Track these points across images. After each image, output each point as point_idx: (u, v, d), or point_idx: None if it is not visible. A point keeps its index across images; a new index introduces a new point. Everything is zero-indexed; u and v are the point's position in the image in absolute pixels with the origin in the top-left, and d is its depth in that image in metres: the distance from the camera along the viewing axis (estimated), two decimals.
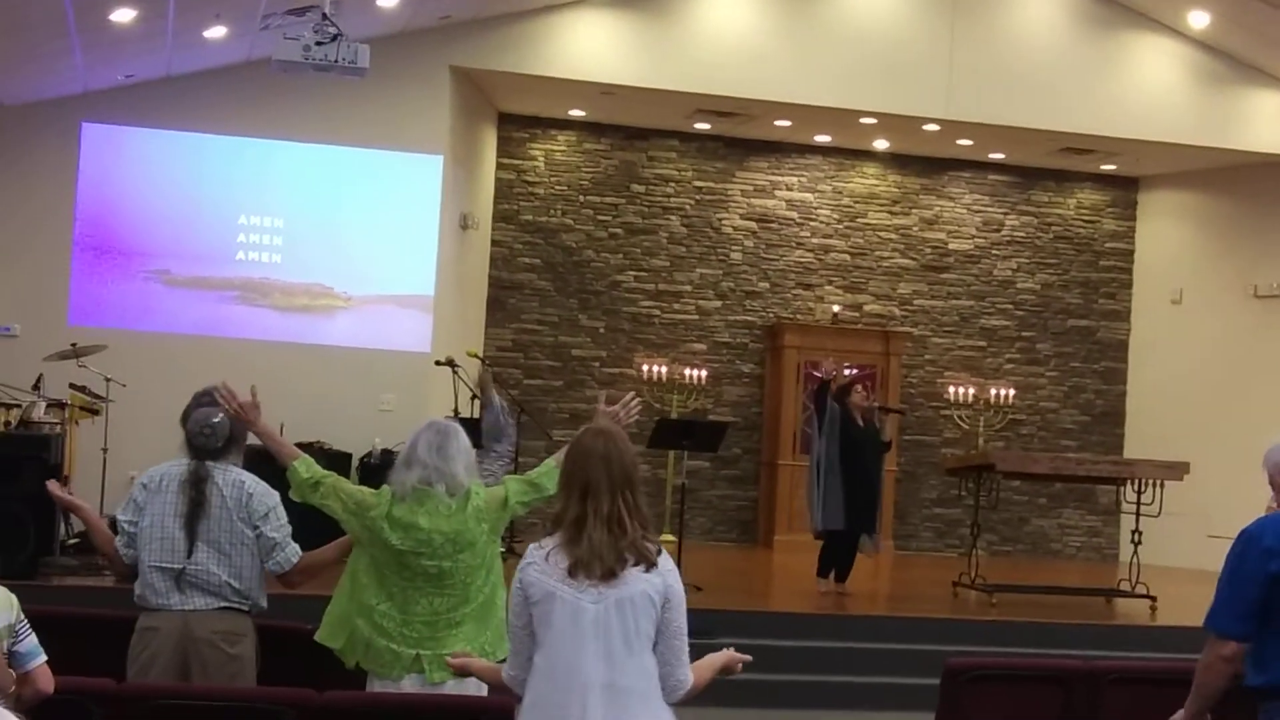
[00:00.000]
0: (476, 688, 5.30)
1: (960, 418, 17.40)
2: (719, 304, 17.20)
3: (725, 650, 4.67)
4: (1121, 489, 13.35)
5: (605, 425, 4.74)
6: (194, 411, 5.93)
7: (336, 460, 13.15)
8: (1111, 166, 17.80)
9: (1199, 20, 15.69)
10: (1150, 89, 16.05)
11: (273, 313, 14.55)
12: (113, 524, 6.01)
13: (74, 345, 12.36)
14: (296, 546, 5.91)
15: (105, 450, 12.15)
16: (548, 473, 5.84)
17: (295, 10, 11.62)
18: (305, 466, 5.72)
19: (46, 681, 4.71)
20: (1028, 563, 17.02)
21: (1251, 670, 5.13)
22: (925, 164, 17.77)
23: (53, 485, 6.09)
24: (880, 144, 17.33)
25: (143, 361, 13.28)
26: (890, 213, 17.74)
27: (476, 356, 13.99)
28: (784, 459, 16.47)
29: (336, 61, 10.16)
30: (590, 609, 4.27)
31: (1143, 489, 12.90)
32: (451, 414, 12.21)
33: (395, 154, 14.68)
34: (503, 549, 6.05)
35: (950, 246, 17.87)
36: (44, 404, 11.71)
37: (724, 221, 17.27)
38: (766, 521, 16.75)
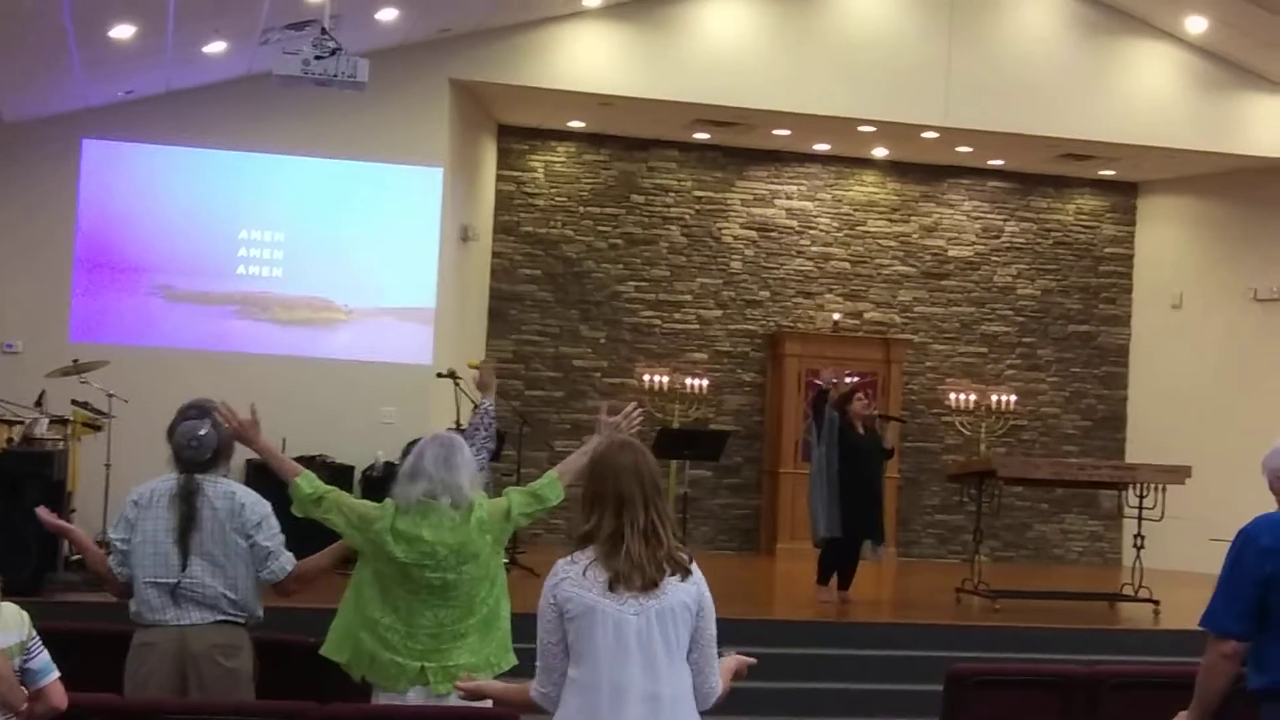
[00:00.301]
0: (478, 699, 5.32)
1: (962, 424, 17.41)
2: (719, 313, 17.21)
3: (733, 655, 4.70)
4: (1123, 493, 13.37)
5: (627, 438, 4.77)
6: (180, 425, 5.95)
7: (339, 473, 13.17)
8: (1110, 172, 17.82)
9: (1196, 25, 15.71)
10: (1148, 94, 16.08)
11: (274, 326, 14.56)
12: (105, 544, 6.02)
13: (76, 361, 12.37)
14: (290, 555, 5.92)
15: (108, 466, 12.15)
16: (549, 484, 5.87)
17: (294, 25, 11.65)
18: (307, 482, 5.74)
19: (60, 698, 4.73)
20: (1030, 568, 17.02)
21: (1253, 673, 5.15)
22: (924, 171, 17.79)
23: (43, 512, 6.10)
24: (879, 152, 17.36)
25: (145, 377, 13.27)
26: (890, 220, 17.76)
27: (477, 368, 13.98)
28: (786, 467, 16.47)
29: (336, 76, 10.20)
30: (632, 621, 4.29)
31: (1144, 493, 12.92)
32: (453, 426, 12.20)
33: (395, 167, 14.70)
34: (505, 560, 6.05)
35: (950, 253, 17.89)
36: (46, 421, 11.71)
37: (724, 231, 17.29)
38: (769, 530, 16.75)
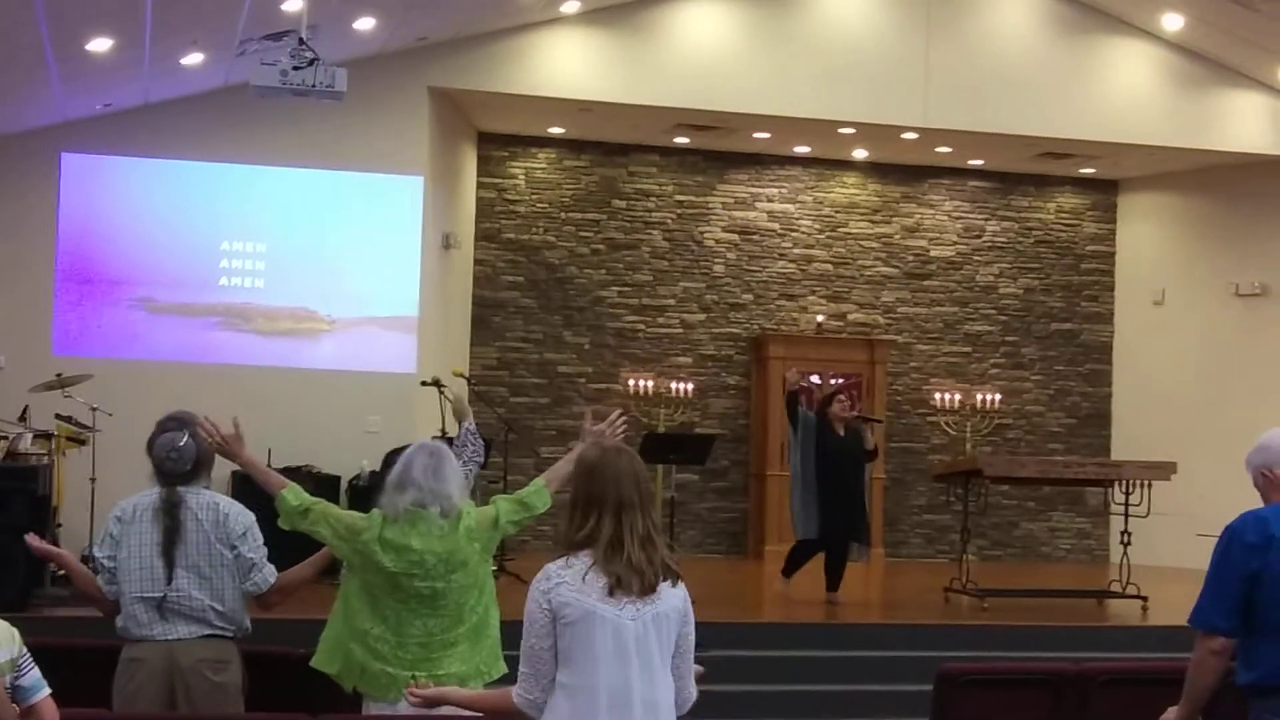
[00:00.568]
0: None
1: (947, 424, 17.43)
2: (703, 317, 17.22)
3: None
4: (1109, 490, 13.41)
5: (620, 443, 4.77)
6: (159, 437, 5.93)
7: (324, 483, 13.15)
8: (1090, 170, 17.87)
9: (1173, 23, 15.76)
10: (1126, 92, 16.12)
11: (257, 337, 14.53)
12: (88, 561, 6.00)
13: (59, 375, 12.31)
14: (272, 567, 5.91)
15: (93, 480, 12.10)
16: (536, 492, 5.87)
17: (272, 35, 11.63)
18: (294, 494, 5.72)
19: (52, 715, 4.71)
20: (1018, 566, 17.05)
21: (1242, 669, 5.17)
22: (905, 172, 17.82)
23: (32, 539, 6.08)
24: (859, 153, 17.38)
25: (128, 390, 13.24)
26: (871, 221, 17.78)
27: (462, 375, 13.98)
28: (772, 470, 16.48)
29: (314, 86, 10.18)
30: (630, 626, 4.27)
31: (1130, 490, 12.95)
32: (439, 434, 12.19)
33: (375, 176, 14.68)
34: (493, 568, 6.04)
35: (932, 253, 17.92)
36: (30, 435, 11.69)
37: (706, 235, 17.30)
38: (756, 533, 16.77)
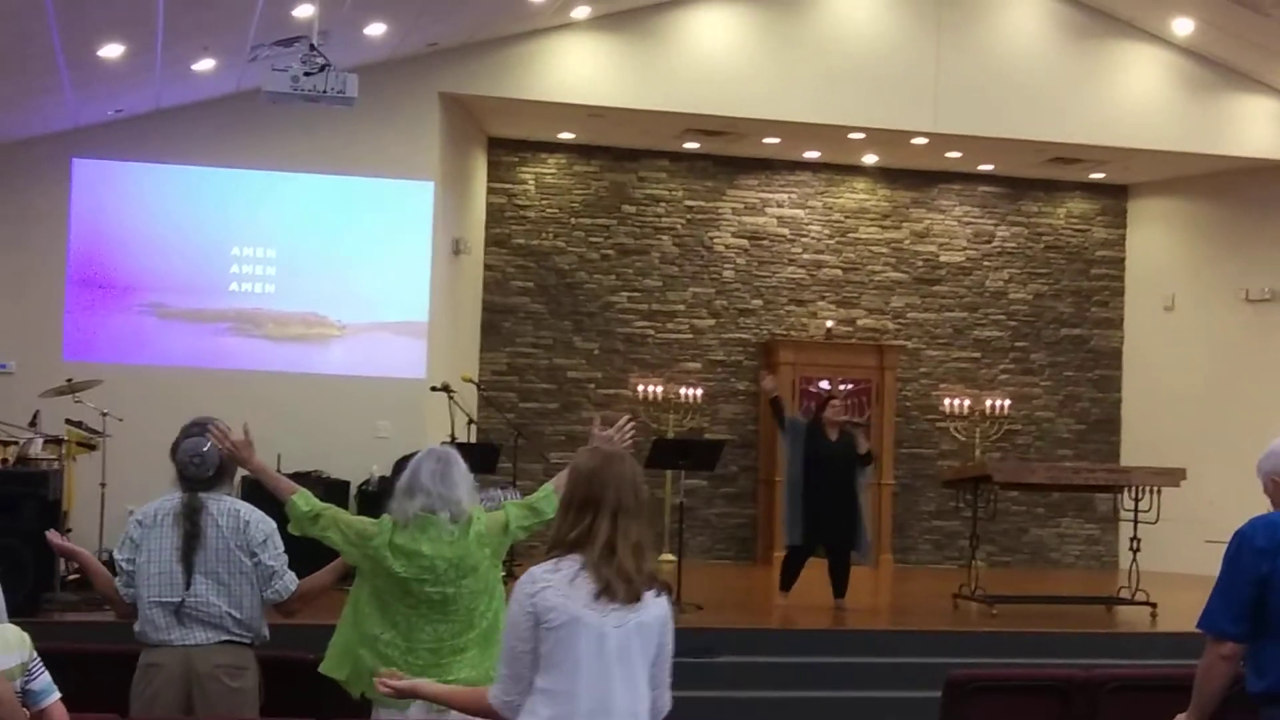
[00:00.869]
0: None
1: (956, 429, 17.42)
2: (712, 322, 17.23)
3: None
4: (1119, 496, 13.38)
5: (617, 449, 4.76)
6: (182, 442, 5.95)
7: (334, 489, 13.16)
8: (1100, 175, 17.85)
9: (1183, 27, 15.75)
10: (1137, 97, 16.11)
11: (267, 343, 14.55)
12: (110, 564, 6.02)
13: (69, 381, 12.34)
14: (293, 575, 5.93)
15: (103, 485, 12.13)
16: (546, 497, 5.87)
17: (283, 41, 11.66)
18: (304, 500, 5.74)
19: (63, 718, 4.72)
20: (1027, 573, 17.03)
21: (1252, 676, 5.16)
22: (915, 177, 17.82)
23: (52, 535, 6.10)
24: (869, 159, 17.38)
25: (138, 395, 13.28)
26: (881, 227, 17.78)
27: (472, 381, 14.02)
28: (781, 476, 16.40)
29: (325, 91, 10.20)
30: (614, 634, 4.26)
31: (1140, 496, 12.94)
32: (448, 440, 12.21)
33: (386, 181, 14.69)
34: (503, 573, 6.05)
35: (942, 259, 17.91)
36: (41, 440, 11.73)
37: (715, 240, 17.30)
38: (765, 538, 16.75)
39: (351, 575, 5.93)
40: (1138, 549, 12.78)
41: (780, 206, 17.52)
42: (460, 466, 5.72)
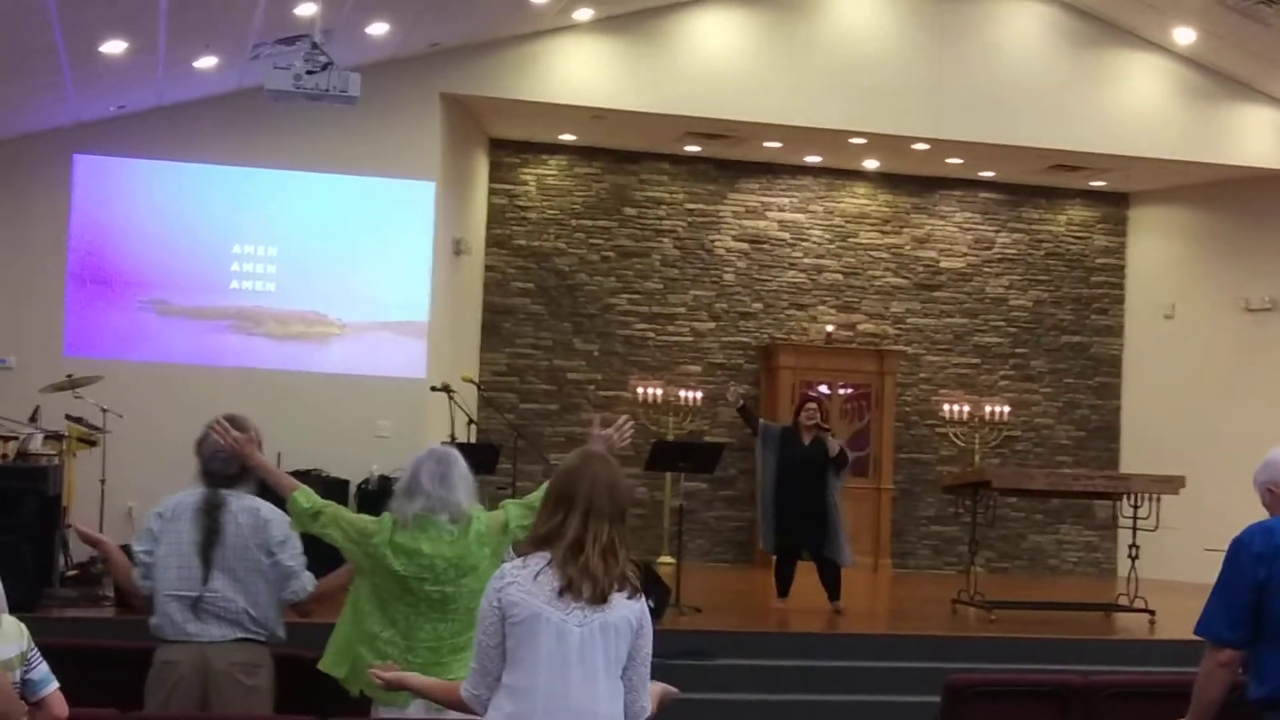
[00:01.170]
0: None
1: (956, 435, 17.42)
2: (713, 325, 17.23)
3: (659, 684, 4.69)
4: (1118, 504, 13.37)
5: (606, 453, 4.79)
6: (208, 438, 5.96)
7: (334, 487, 13.15)
8: (1101, 183, 17.86)
9: (1185, 37, 15.75)
10: (1138, 105, 16.12)
11: (267, 341, 14.55)
12: (129, 555, 6.03)
13: (70, 376, 12.35)
14: (311, 575, 5.95)
15: (103, 481, 12.14)
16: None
17: (285, 40, 11.67)
18: (305, 497, 5.74)
19: (61, 708, 4.74)
20: (1026, 579, 17.04)
21: (1253, 682, 5.17)
22: (916, 183, 17.83)
23: (79, 524, 6.13)
24: (870, 164, 17.38)
25: (138, 392, 13.29)
26: (882, 232, 17.78)
27: (472, 381, 14.02)
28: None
29: (328, 90, 10.21)
30: (575, 632, 4.29)
31: (1139, 503, 12.94)
32: (448, 439, 12.21)
33: (387, 181, 14.69)
34: None
35: (942, 265, 17.92)
36: (41, 436, 11.72)
37: (716, 243, 17.31)
38: None
39: None
40: (1136, 556, 12.77)
41: (781, 210, 17.52)
42: (460, 468, 5.72)
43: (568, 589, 4.30)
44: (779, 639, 11.58)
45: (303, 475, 12.20)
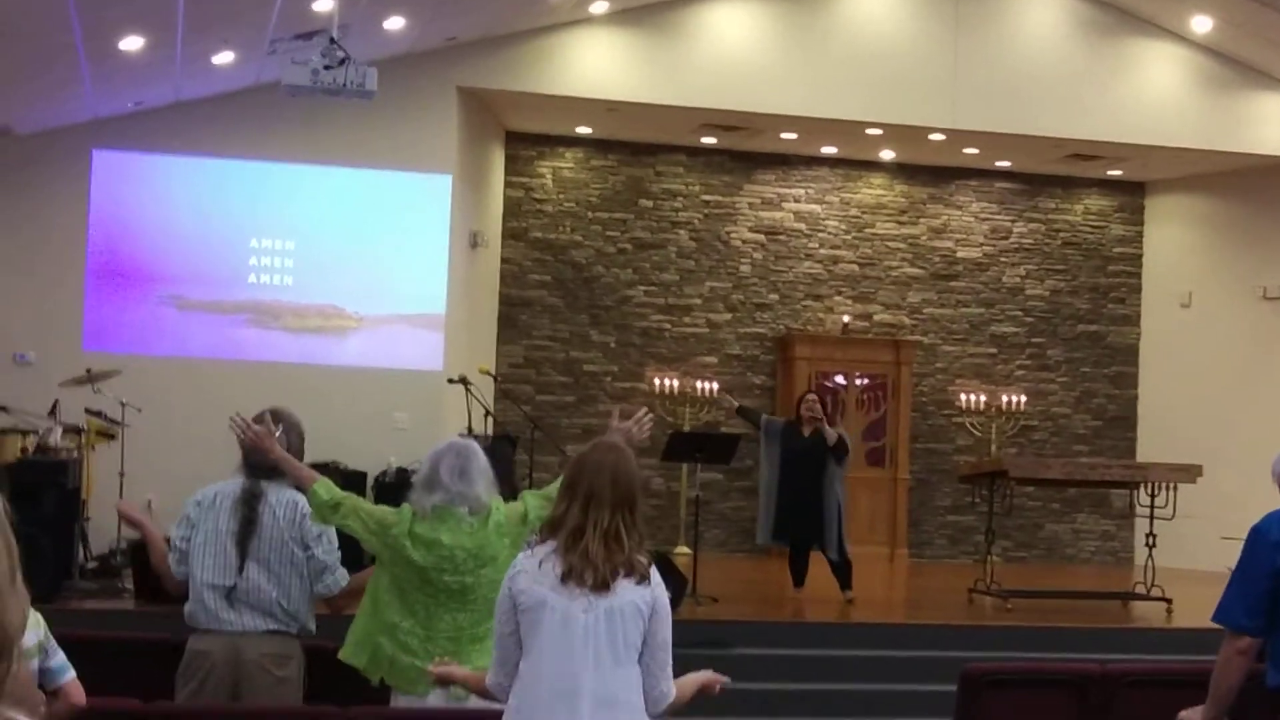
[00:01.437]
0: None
1: (972, 425, 17.42)
2: (729, 317, 17.24)
3: (706, 670, 4.73)
4: (1135, 492, 13.37)
5: (616, 441, 4.83)
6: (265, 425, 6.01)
7: (352, 480, 13.17)
8: (1118, 172, 17.83)
9: (1202, 25, 15.71)
10: (1155, 94, 16.09)
11: (285, 335, 14.59)
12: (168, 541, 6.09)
13: (89, 371, 12.39)
14: (344, 571, 6.00)
15: (122, 475, 12.18)
16: None
17: (303, 35, 11.70)
18: (325, 489, 5.77)
19: (79, 695, 4.76)
20: (1043, 568, 17.04)
21: (1272, 670, 5.18)
22: (932, 173, 17.81)
23: (122, 504, 6.20)
24: (887, 154, 17.37)
25: (157, 386, 13.34)
26: (898, 222, 17.78)
27: (489, 373, 14.05)
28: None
29: (345, 85, 10.23)
30: (580, 618, 4.34)
31: (1156, 492, 12.94)
32: (465, 431, 12.25)
33: (404, 174, 14.73)
34: None
35: (959, 255, 17.91)
36: (60, 430, 11.77)
37: (732, 235, 17.31)
38: None
39: None
40: (1153, 545, 12.77)
41: (797, 201, 17.52)
42: (479, 461, 5.74)
43: (569, 575, 4.35)
44: (795, 628, 11.61)
45: (320, 468, 12.26)
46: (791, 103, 15.31)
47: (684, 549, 15.29)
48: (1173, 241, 18.25)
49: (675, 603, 10.32)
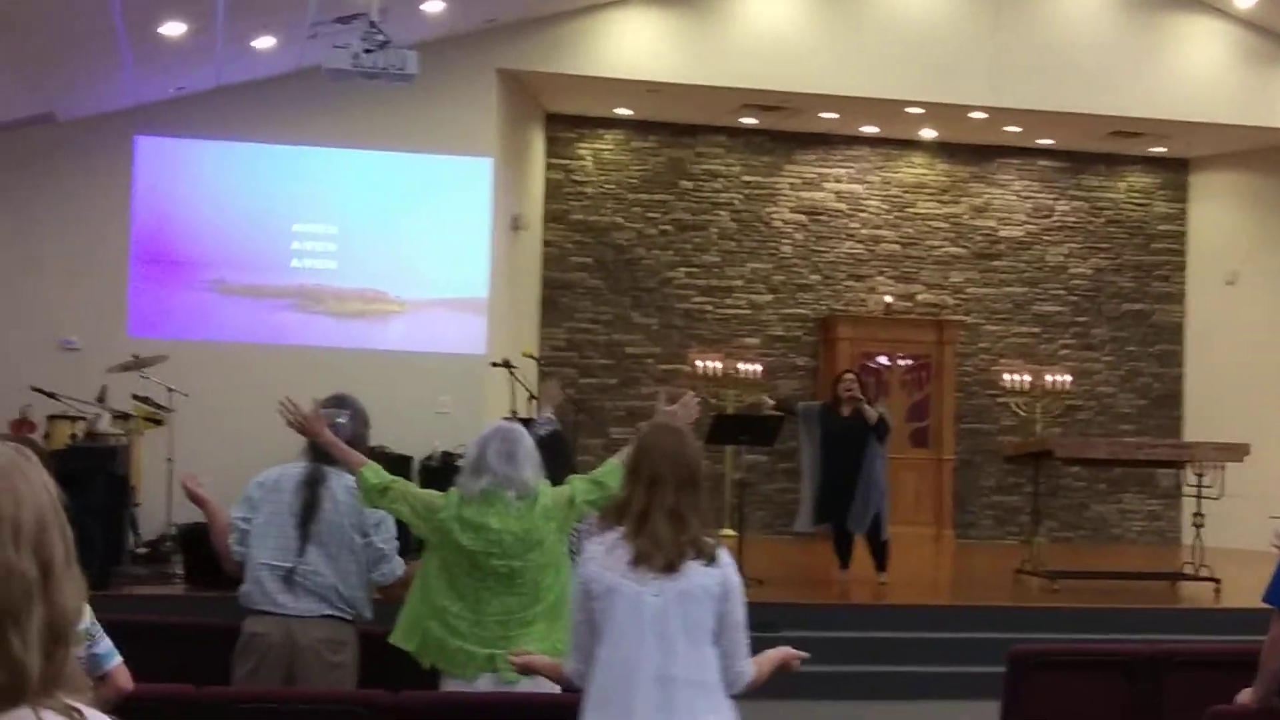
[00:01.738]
0: (550, 685, 5.35)
1: (1017, 405, 17.33)
2: (771, 298, 17.21)
3: (784, 647, 4.74)
4: (1181, 472, 13.31)
5: (674, 423, 4.85)
6: (319, 410, 6.04)
7: (397, 464, 13.19)
8: (1161, 149, 17.71)
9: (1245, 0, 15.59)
10: (1198, 70, 15.96)
11: (328, 319, 14.65)
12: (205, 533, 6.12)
13: (135, 356, 12.46)
14: (401, 561, 6.03)
15: (170, 460, 12.23)
16: (611, 471, 5.88)
17: (343, 18, 11.72)
18: (373, 473, 5.78)
19: (126, 680, 4.79)
20: (1089, 548, 16.97)
21: None
22: (973, 152, 17.73)
23: (186, 479, 6.22)
24: (927, 133, 17.31)
25: (203, 371, 13.40)
26: (940, 201, 17.71)
27: (532, 356, 14.05)
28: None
29: (385, 69, 10.27)
30: (651, 602, 4.36)
31: (1203, 471, 12.86)
32: (510, 415, 12.26)
33: (445, 158, 14.76)
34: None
35: (1001, 234, 17.83)
36: (108, 416, 11.85)
37: (773, 215, 17.28)
38: None
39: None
40: (1201, 525, 12.71)
41: (838, 181, 17.48)
42: (526, 444, 5.75)
43: (639, 560, 4.37)
44: (842, 610, 11.61)
45: (365, 453, 12.33)
46: (831, 82, 15.27)
47: (729, 531, 15.27)
48: (1217, 219, 18.12)
49: None
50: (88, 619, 4.73)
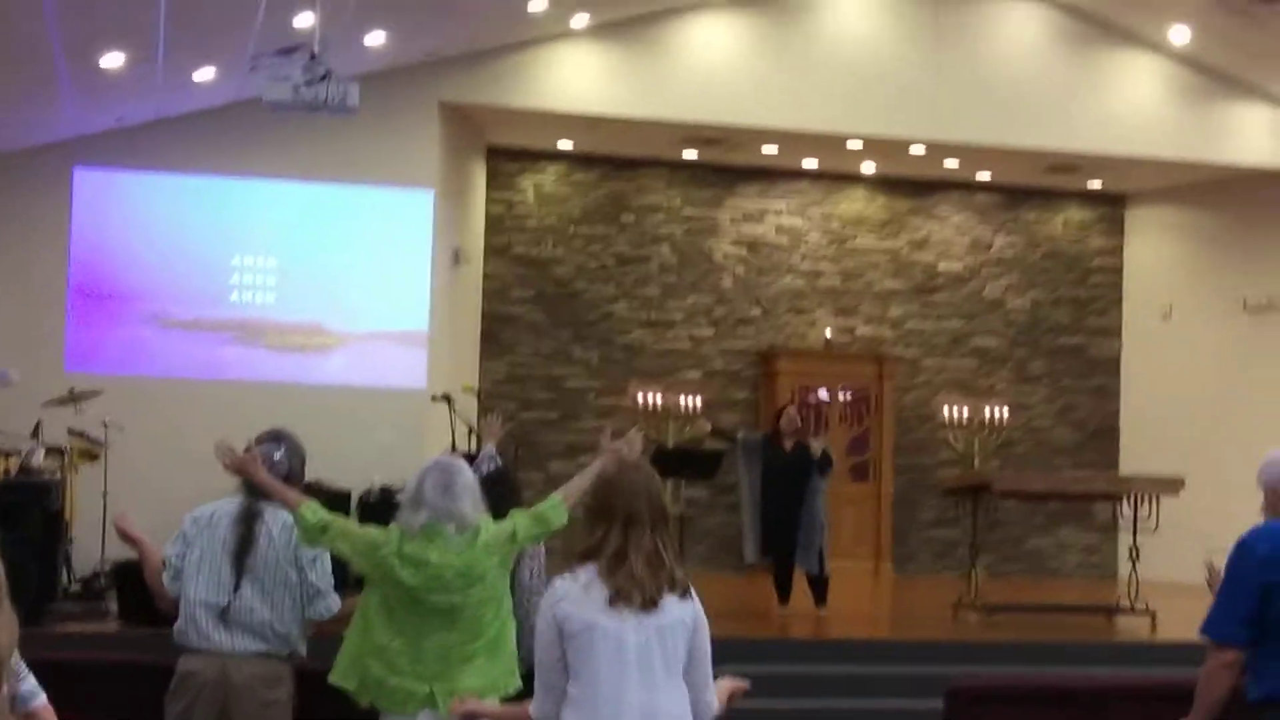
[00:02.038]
0: None
1: (955, 438, 17.39)
2: (711, 331, 17.24)
3: (727, 678, 4.75)
4: (1118, 505, 13.38)
5: (636, 460, 4.88)
6: (255, 448, 5.98)
7: (335, 499, 13.08)
8: (1098, 184, 17.88)
9: (1180, 36, 15.77)
10: (1134, 105, 16.14)
11: (267, 353, 14.55)
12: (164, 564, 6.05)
13: (71, 391, 12.34)
14: (337, 597, 5.97)
15: (105, 495, 12.11)
16: (553, 507, 5.87)
17: (284, 50, 11.67)
18: (311, 511, 5.73)
19: (51, 718, 4.74)
20: (1027, 582, 17.02)
21: (1252, 683, 5.20)
22: (913, 186, 17.84)
23: (119, 519, 6.12)
24: (868, 167, 17.41)
25: (140, 406, 13.28)
26: (879, 235, 17.80)
27: (472, 390, 14.02)
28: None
29: (326, 100, 10.22)
30: (633, 638, 4.38)
31: (1139, 504, 12.94)
32: (449, 449, 12.21)
33: (386, 190, 14.72)
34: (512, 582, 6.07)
35: (940, 268, 17.94)
36: (43, 451, 11.72)
37: (714, 249, 17.33)
38: None
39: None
40: (1137, 558, 12.77)
41: (779, 215, 17.54)
42: (464, 477, 5.72)
43: (618, 598, 4.38)
44: (781, 645, 11.60)
45: (304, 488, 12.23)
46: (772, 115, 15.34)
47: None
48: (1153, 253, 18.30)
49: None
50: (14, 656, 4.67)
